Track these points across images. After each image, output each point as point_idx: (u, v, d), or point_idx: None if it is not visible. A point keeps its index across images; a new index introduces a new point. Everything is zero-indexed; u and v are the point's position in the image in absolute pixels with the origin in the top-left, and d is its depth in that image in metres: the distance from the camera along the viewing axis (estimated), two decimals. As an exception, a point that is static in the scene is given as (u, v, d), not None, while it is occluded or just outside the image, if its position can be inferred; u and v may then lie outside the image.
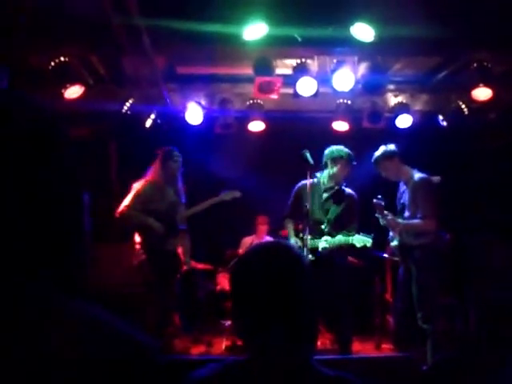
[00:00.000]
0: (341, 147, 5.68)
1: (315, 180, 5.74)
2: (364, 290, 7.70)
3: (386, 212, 5.49)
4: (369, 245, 5.56)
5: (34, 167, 1.01)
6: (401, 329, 5.84)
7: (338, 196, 5.69)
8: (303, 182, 5.75)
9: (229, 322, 6.49)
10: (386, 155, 5.63)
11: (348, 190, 5.76)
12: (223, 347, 6.49)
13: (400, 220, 5.54)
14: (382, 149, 5.66)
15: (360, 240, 5.51)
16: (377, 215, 5.55)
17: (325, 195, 5.69)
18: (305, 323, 1.62)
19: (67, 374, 1.07)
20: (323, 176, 5.75)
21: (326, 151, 5.72)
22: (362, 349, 6.67)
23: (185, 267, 6.68)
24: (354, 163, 5.66)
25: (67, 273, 1.24)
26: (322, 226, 5.59)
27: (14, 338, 1.07)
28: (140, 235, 5.84)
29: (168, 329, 5.89)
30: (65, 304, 1.17)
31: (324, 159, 5.72)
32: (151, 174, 5.91)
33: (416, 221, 5.48)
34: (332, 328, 6.10)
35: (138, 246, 5.85)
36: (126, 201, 5.72)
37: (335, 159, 5.63)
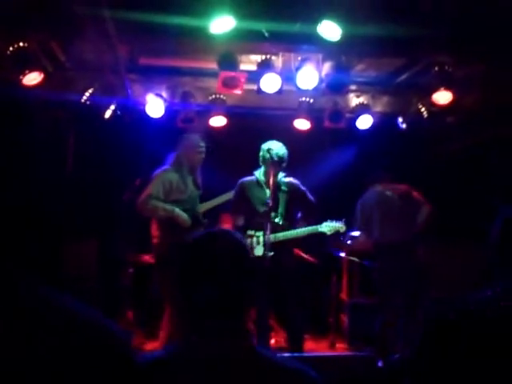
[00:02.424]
0: (272, 145, 5.53)
1: (253, 178, 5.66)
2: (319, 289, 7.74)
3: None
4: (342, 230, 5.49)
5: None
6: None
7: (278, 189, 5.55)
8: (243, 179, 5.70)
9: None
10: None
11: (287, 179, 5.65)
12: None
13: None
14: None
15: (329, 227, 5.43)
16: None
17: (268, 191, 5.49)
18: (245, 308, 1.69)
19: (41, 359, 1.05)
20: (259, 173, 5.65)
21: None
22: (315, 348, 6.70)
23: None
24: (276, 160, 5.37)
25: (39, 261, 1.21)
26: (276, 220, 5.46)
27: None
28: (161, 228, 5.39)
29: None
30: (38, 292, 1.13)
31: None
32: (174, 161, 5.55)
33: None
34: (284, 326, 6.05)
35: (155, 240, 5.41)
36: (148, 189, 5.31)
37: (262, 157, 5.56)
